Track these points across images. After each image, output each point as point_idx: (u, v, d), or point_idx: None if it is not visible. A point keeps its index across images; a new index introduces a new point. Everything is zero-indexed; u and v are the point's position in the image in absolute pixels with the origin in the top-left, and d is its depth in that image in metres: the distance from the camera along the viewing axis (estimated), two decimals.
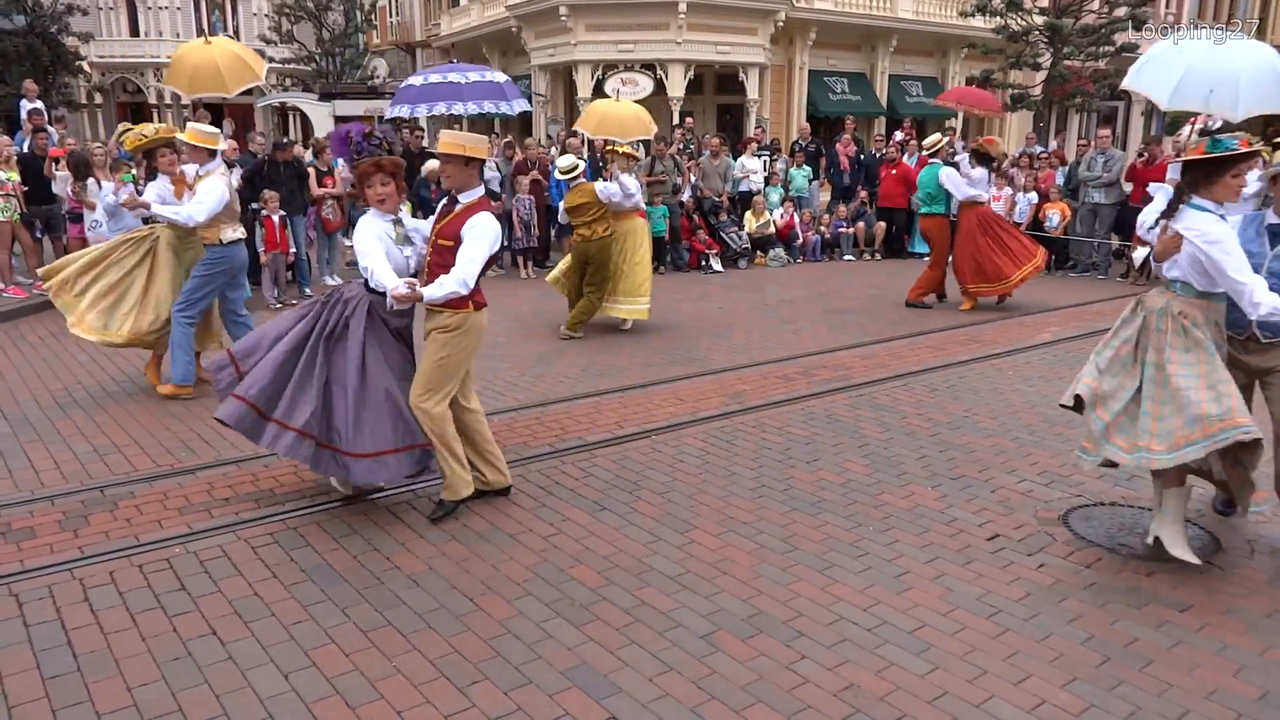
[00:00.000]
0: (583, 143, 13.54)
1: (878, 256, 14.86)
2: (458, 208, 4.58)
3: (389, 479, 4.80)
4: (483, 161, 4.69)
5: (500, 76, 5.56)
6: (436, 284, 4.41)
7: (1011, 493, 5.11)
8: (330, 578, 4.08)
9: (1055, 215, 13.28)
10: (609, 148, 9.14)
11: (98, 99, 33.48)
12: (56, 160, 10.62)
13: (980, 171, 10.29)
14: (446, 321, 4.56)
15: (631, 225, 9.04)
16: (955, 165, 10.46)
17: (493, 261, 4.74)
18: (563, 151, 12.89)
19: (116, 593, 3.92)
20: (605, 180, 8.84)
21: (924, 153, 11.17)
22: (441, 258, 4.52)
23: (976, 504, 4.94)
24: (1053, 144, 18.42)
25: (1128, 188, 12.79)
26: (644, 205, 9.50)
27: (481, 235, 4.48)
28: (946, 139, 11.49)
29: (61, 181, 10.00)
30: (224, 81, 7.94)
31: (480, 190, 4.65)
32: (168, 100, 35.13)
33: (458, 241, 4.47)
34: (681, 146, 14.70)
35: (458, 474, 4.69)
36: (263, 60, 8.59)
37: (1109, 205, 12.82)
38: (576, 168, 9.15)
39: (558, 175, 10.00)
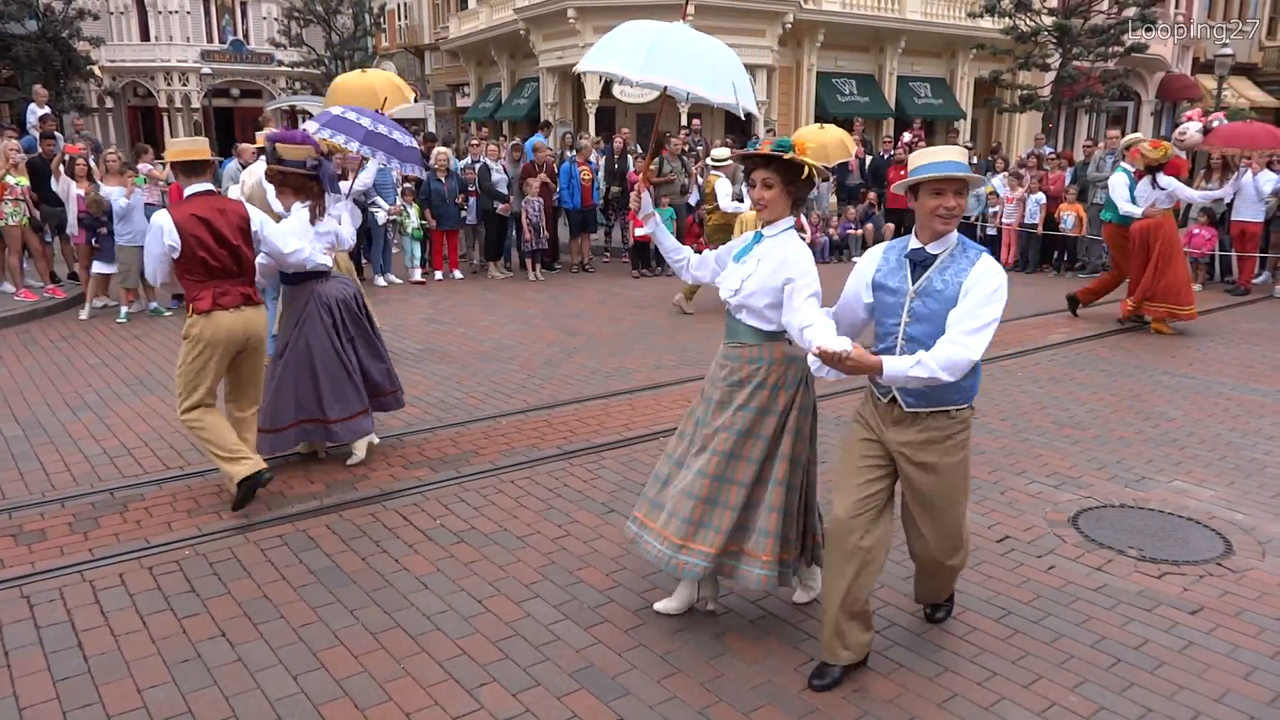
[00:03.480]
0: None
1: None
2: None
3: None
4: (175, 167, 4.84)
5: (415, 143, 6.28)
6: None
7: (1021, 494, 5.09)
8: (339, 579, 4.09)
9: (1071, 217, 13.23)
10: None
11: (108, 103, 33.64)
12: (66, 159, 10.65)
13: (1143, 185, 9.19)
14: (185, 330, 4.77)
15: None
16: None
17: (185, 263, 4.65)
18: (572, 147, 13.84)
19: (126, 594, 3.94)
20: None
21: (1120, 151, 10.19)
22: None
23: (986, 505, 4.93)
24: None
25: None
26: (738, 208, 9.98)
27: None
28: (1137, 136, 10.26)
29: (64, 184, 10.02)
30: (377, 99, 7.94)
31: (194, 190, 4.72)
32: (178, 105, 35.30)
33: None
34: (688, 148, 14.70)
35: (225, 467, 4.72)
36: (411, 89, 8.98)
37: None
38: (728, 159, 10.29)
39: (710, 161, 10.85)
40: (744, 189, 9.86)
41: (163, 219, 4.59)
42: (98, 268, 9.87)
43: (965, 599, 3.93)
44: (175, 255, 4.59)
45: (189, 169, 4.69)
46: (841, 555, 3.23)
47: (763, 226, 3.49)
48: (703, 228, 13.57)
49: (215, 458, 4.72)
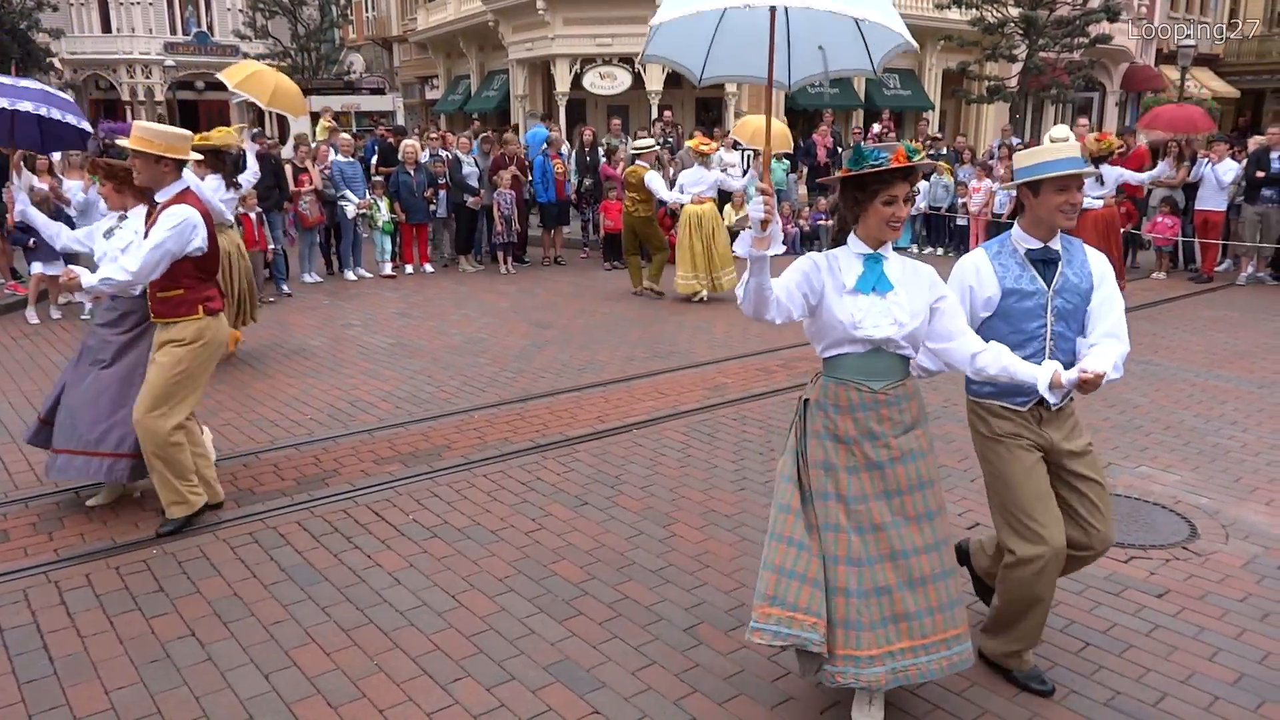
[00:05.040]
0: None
1: None
2: (157, 208, 4.39)
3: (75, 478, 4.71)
4: (178, 161, 4.39)
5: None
6: (101, 270, 4.31)
7: None
8: (310, 576, 4.05)
9: None
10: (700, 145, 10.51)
11: (70, 96, 33.04)
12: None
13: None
14: (181, 334, 4.39)
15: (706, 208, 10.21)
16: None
17: (206, 261, 4.42)
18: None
19: (93, 595, 3.88)
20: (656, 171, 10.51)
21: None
22: None
23: (957, 493, 4.97)
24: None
25: None
26: (678, 200, 10.43)
27: (161, 224, 4.26)
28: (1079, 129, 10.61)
29: (25, 179, 9.78)
30: (296, 106, 9.05)
31: (178, 186, 4.40)
32: (141, 97, 34.74)
33: None
34: (661, 141, 14.67)
35: (186, 491, 4.48)
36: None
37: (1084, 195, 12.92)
38: (651, 147, 10.70)
39: (631, 150, 10.98)
40: (691, 183, 10.07)
41: (193, 216, 4.31)
42: (39, 268, 9.43)
43: None
44: (200, 255, 4.34)
45: (181, 165, 4.43)
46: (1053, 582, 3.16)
47: (880, 248, 2.98)
48: (674, 220, 13.61)
49: (178, 481, 4.42)
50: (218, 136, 7.17)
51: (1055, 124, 24.70)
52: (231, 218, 7.26)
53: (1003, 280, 3.15)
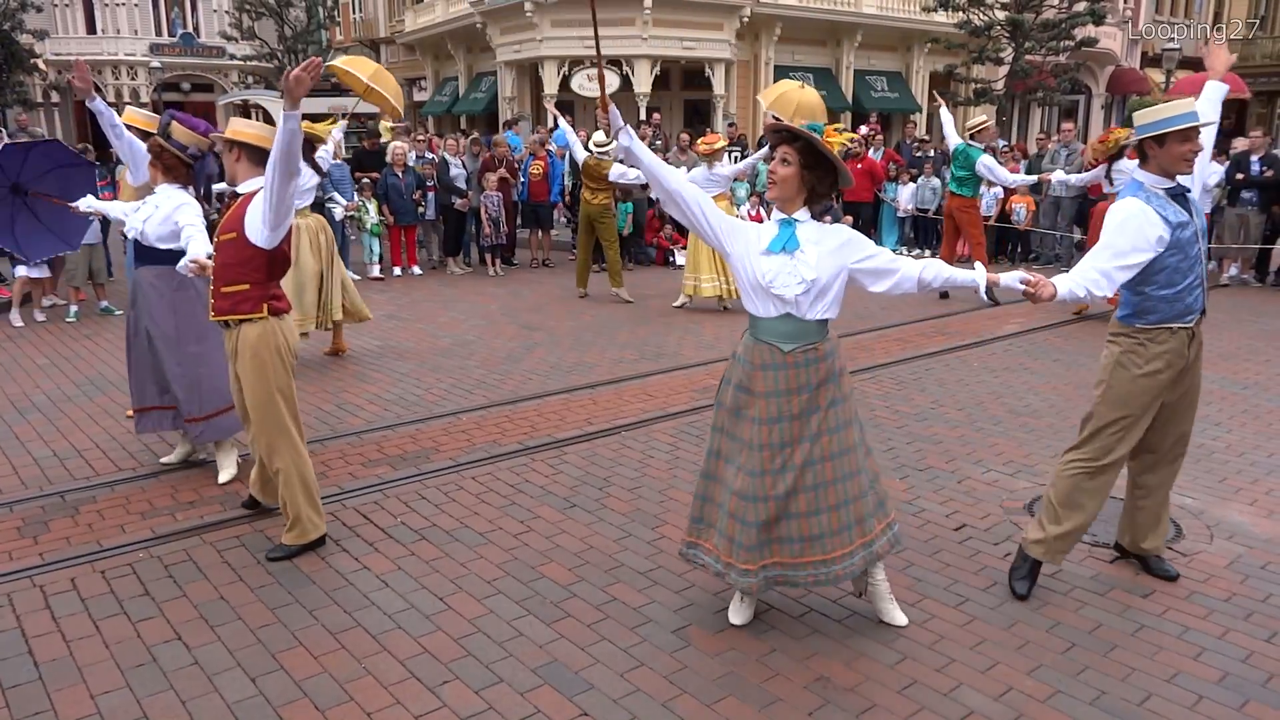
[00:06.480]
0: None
1: None
2: (239, 199, 4.22)
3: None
4: (247, 149, 4.22)
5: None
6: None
7: (977, 483, 5.17)
8: (298, 579, 4.04)
9: (1022, 209, 13.48)
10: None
11: (54, 97, 32.79)
12: None
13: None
14: (246, 336, 4.14)
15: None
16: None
17: (277, 255, 4.21)
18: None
19: (79, 599, 3.86)
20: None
21: (967, 133, 10.65)
22: (223, 255, 4.16)
23: (943, 495, 4.99)
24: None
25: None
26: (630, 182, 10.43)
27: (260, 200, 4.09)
28: (991, 123, 10.89)
29: None
30: (391, 103, 9.35)
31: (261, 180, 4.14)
32: (126, 99, 34.54)
33: (239, 233, 4.11)
34: (649, 142, 14.69)
35: (313, 517, 4.30)
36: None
37: (1071, 198, 13.00)
38: (607, 143, 10.45)
39: (592, 145, 10.82)
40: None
41: None
42: (23, 271, 9.31)
43: (924, 586, 3.98)
44: (274, 247, 4.13)
45: (257, 156, 4.21)
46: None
47: (785, 209, 3.37)
48: (662, 222, 13.64)
49: (305, 503, 4.24)
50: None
51: (1042, 127, 24.84)
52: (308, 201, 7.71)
53: (1166, 217, 3.49)
